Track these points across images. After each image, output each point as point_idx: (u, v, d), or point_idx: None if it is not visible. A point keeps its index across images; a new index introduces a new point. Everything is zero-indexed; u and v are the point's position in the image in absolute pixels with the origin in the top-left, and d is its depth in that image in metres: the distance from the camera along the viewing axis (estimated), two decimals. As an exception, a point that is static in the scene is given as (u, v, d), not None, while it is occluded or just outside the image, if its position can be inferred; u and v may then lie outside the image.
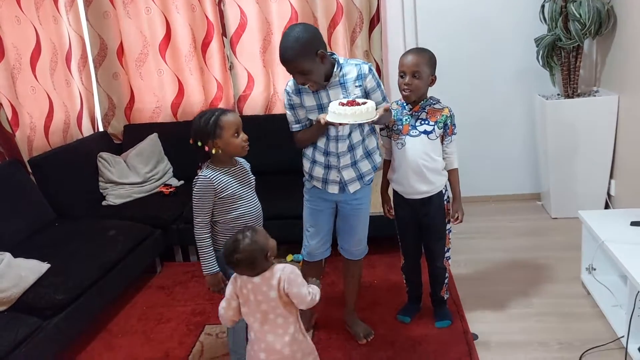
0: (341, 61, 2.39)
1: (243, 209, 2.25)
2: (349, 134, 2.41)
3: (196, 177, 2.23)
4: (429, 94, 2.60)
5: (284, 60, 2.24)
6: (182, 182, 4.15)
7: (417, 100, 2.54)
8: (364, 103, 2.22)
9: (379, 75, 3.99)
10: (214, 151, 2.19)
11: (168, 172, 4.17)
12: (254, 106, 4.25)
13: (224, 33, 4.12)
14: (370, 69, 2.39)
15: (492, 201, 4.36)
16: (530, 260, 3.36)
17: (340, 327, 2.80)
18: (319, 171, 2.49)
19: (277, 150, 3.75)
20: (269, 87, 4.22)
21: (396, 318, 2.84)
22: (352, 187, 2.49)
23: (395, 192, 2.70)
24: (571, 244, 3.33)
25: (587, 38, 3.65)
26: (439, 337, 2.66)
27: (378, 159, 2.55)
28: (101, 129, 4.48)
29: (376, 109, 2.26)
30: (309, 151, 2.50)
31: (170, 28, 4.21)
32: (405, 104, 2.58)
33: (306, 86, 2.32)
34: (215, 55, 4.21)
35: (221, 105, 4.30)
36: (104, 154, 3.95)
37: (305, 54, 2.22)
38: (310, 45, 2.23)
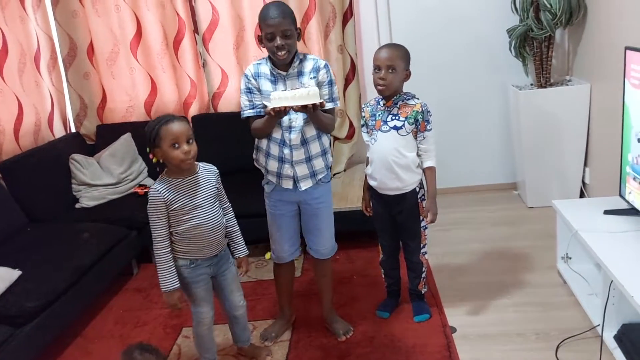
0: (301, 55, 2.42)
1: (196, 221, 2.19)
2: (302, 126, 2.39)
3: (149, 191, 2.19)
4: (405, 89, 2.59)
5: (273, 16, 2.25)
6: (157, 182, 4.10)
7: (391, 95, 2.53)
8: (306, 87, 2.23)
9: (353, 69, 3.99)
10: (154, 160, 2.16)
11: (143, 172, 4.11)
12: (228, 104, 4.20)
13: (195, 30, 4.07)
14: (326, 65, 2.44)
15: (468, 192, 4.37)
16: (507, 250, 3.38)
17: (320, 325, 2.79)
18: (272, 165, 2.47)
19: (252, 148, 3.70)
20: (243, 83, 4.17)
21: (375, 314, 2.84)
22: (304, 184, 2.47)
23: (371, 187, 2.69)
24: (547, 233, 3.36)
25: (559, 28, 3.67)
26: (418, 332, 2.67)
27: (330, 158, 2.55)
28: (73, 130, 4.40)
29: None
30: (263, 143, 2.47)
31: (141, 26, 4.14)
32: (380, 99, 2.57)
33: (280, 54, 2.29)
34: (188, 52, 4.14)
35: (195, 104, 4.25)
36: (76, 156, 3.88)
37: (292, 19, 2.31)
38: (294, 16, 2.35)
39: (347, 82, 4.02)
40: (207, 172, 2.29)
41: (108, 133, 4.23)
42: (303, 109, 2.24)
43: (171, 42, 4.14)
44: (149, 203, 2.16)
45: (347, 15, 3.91)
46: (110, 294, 3.33)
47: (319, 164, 2.49)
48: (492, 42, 4.02)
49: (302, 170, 2.45)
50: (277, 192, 2.53)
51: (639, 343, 2.20)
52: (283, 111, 2.25)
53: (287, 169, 2.45)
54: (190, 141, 2.14)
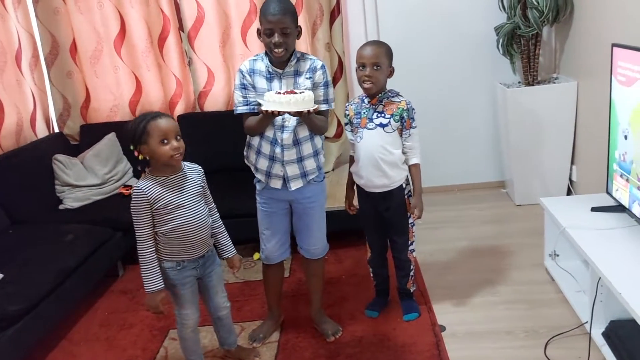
0: (298, 54, 2.39)
1: (181, 220, 2.15)
2: (295, 127, 2.37)
3: (133, 189, 2.15)
4: (389, 86, 2.57)
5: (274, 12, 2.22)
6: (143, 182, 4.05)
7: (376, 92, 2.52)
8: (302, 92, 2.20)
9: (340, 67, 3.97)
10: (140, 157, 2.11)
11: (128, 173, 4.06)
12: (214, 102, 4.16)
13: (181, 27, 4.02)
14: (323, 66, 2.41)
15: (456, 190, 4.37)
16: (495, 248, 3.38)
17: (308, 326, 2.76)
18: (263, 163, 2.44)
19: (238, 147, 3.67)
20: (229, 82, 4.13)
21: (364, 313, 2.82)
22: (294, 184, 2.44)
23: (357, 185, 2.67)
24: (535, 231, 3.36)
25: (546, 25, 3.68)
26: (407, 331, 2.65)
27: (322, 159, 2.53)
28: (57, 130, 4.33)
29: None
30: (254, 141, 2.45)
31: (125, 23, 4.08)
32: (364, 97, 2.56)
33: (278, 51, 2.26)
34: (173, 50, 4.09)
35: (181, 102, 4.20)
36: (60, 156, 3.82)
37: (293, 16, 2.29)
38: (296, 13, 2.33)
39: (334, 80, 3.99)
40: (192, 171, 2.26)
41: (92, 133, 4.17)
42: (297, 114, 2.21)
43: (156, 39, 4.09)
44: (132, 202, 2.12)
45: (335, 13, 3.89)
46: (96, 296, 3.28)
47: (310, 164, 2.46)
48: (480, 40, 4.01)
49: (292, 170, 2.42)
50: (268, 190, 2.50)
51: (627, 339, 2.21)
52: (277, 113, 2.21)
53: (277, 168, 2.42)
54: (178, 137, 2.12)
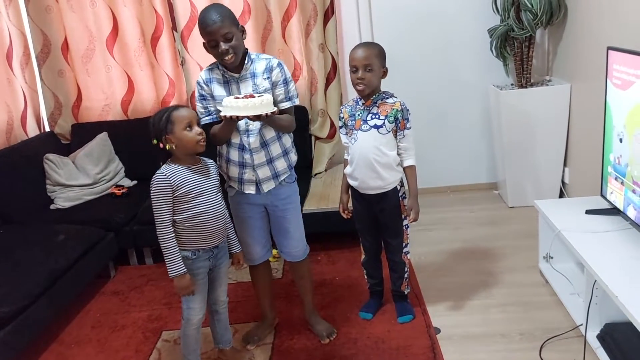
0: (252, 56, 2.37)
1: (202, 207, 2.19)
2: (260, 129, 2.35)
3: (154, 176, 2.17)
4: (383, 88, 2.57)
5: (211, 22, 2.18)
6: (134, 182, 4.03)
7: (370, 94, 2.51)
8: (260, 96, 2.20)
9: (334, 68, 3.96)
10: (167, 147, 2.14)
11: (120, 173, 4.03)
12: (207, 102, 4.14)
13: (174, 27, 3.99)
14: (279, 64, 2.39)
15: (449, 191, 4.38)
16: (489, 250, 3.38)
17: (303, 328, 2.75)
18: (234, 170, 2.42)
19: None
20: (222, 82, 4.11)
21: (358, 315, 2.81)
22: (266, 186, 2.43)
23: (352, 187, 2.67)
24: (528, 233, 3.37)
25: (539, 28, 3.69)
26: (402, 333, 2.64)
27: (293, 157, 2.52)
28: (48, 129, 4.29)
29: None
30: (223, 149, 2.43)
31: (117, 22, 4.05)
32: (359, 99, 2.55)
33: (227, 58, 2.24)
34: (166, 50, 4.07)
35: (173, 102, 4.17)
36: (51, 155, 3.78)
37: (231, 19, 2.25)
38: (234, 15, 2.29)
39: (328, 81, 3.98)
40: (209, 164, 2.30)
41: (83, 132, 4.14)
42: (256, 117, 2.19)
43: (149, 39, 4.06)
44: (153, 188, 2.14)
45: (329, 13, 3.88)
46: (87, 297, 3.25)
47: (281, 164, 2.45)
48: (473, 41, 4.02)
49: (264, 172, 2.41)
50: (241, 196, 2.48)
51: (622, 342, 2.21)
52: (236, 118, 2.19)
53: (248, 174, 2.41)
54: (199, 125, 2.18)
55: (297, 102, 2.45)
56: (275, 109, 2.25)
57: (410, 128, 2.56)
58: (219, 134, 2.35)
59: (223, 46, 2.22)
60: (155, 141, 2.16)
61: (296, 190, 2.58)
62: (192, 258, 2.23)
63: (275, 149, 2.42)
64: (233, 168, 2.41)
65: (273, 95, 2.35)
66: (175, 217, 2.18)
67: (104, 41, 4.09)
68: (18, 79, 3.98)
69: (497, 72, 4.00)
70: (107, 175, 3.92)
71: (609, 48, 2.50)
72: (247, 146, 2.35)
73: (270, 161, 2.41)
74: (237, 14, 3.88)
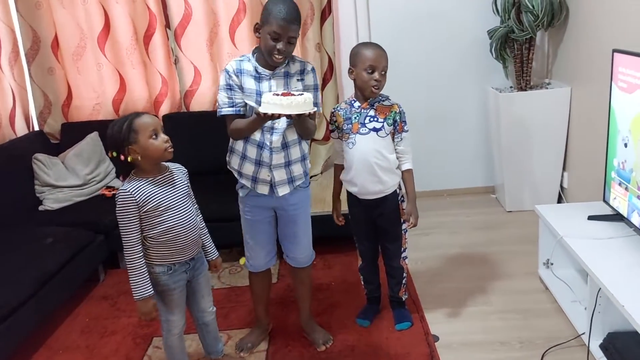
0: (289, 56, 2.30)
1: (172, 222, 2.07)
2: (285, 129, 2.28)
3: (117, 193, 2.04)
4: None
5: (288, 18, 2.11)
6: (126, 183, 3.94)
7: (367, 97, 2.46)
8: (301, 94, 2.12)
9: (331, 68, 3.89)
10: (130, 159, 2.01)
11: (110, 173, 3.93)
12: (201, 102, 4.06)
13: (167, 25, 3.91)
14: (313, 69, 2.36)
15: (446, 195, 4.32)
16: (487, 256, 3.32)
17: (298, 334, 2.67)
18: (248, 168, 2.34)
19: (224, 148, 3.57)
20: (217, 81, 4.02)
21: (355, 322, 2.74)
22: (281, 190, 2.35)
23: (349, 192, 2.59)
24: (526, 238, 3.33)
25: (540, 29, 3.64)
26: (400, 340, 2.58)
27: (309, 165, 2.46)
28: (37, 128, 4.19)
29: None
30: (239, 145, 2.34)
31: (109, 19, 3.96)
32: (353, 102, 2.49)
33: (278, 57, 2.17)
34: (159, 48, 3.98)
35: (167, 102, 4.08)
36: (40, 155, 3.69)
37: (300, 24, 2.21)
38: (301, 20, 2.25)
39: (324, 81, 3.91)
40: (178, 172, 2.17)
41: (74, 132, 4.04)
42: (297, 116, 2.12)
43: (141, 37, 3.97)
44: (117, 206, 2.01)
45: (326, 12, 3.81)
46: (76, 301, 3.16)
47: (297, 169, 2.37)
48: (473, 43, 3.97)
49: (280, 175, 2.33)
50: (252, 198, 2.41)
51: (626, 352, 2.16)
52: (276, 116, 2.11)
53: (264, 173, 2.32)
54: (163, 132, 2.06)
55: (321, 109, 2.41)
56: (316, 108, 2.18)
57: (407, 131, 2.50)
58: (243, 129, 2.26)
59: (281, 46, 2.15)
60: (114, 154, 2.02)
61: (309, 196, 2.51)
62: (168, 273, 2.13)
63: (295, 152, 2.35)
64: (248, 165, 2.33)
65: None
66: (145, 234, 2.06)
67: (95, 38, 3.99)
68: (6, 77, 3.88)
69: (497, 75, 3.96)
70: (97, 176, 3.83)
71: (614, 50, 2.45)
72: (268, 144, 2.27)
73: (288, 164, 2.33)
74: (232, 13, 3.87)
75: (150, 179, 2.05)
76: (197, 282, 2.26)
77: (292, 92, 2.15)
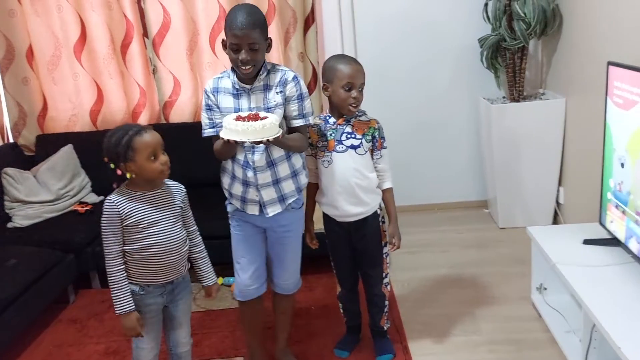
0: (269, 66, 2.14)
1: (150, 240, 1.95)
2: (266, 147, 2.12)
3: (105, 201, 1.95)
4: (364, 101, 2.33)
5: (241, 25, 1.96)
6: (102, 197, 3.76)
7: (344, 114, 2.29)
8: (264, 118, 1.96)
9: (315, 79, 3.73)
10: (127, 175, 1.91)
11: (85, 188, 3.76)
12: (181, 113, 3.90)
13: (145, 33, 3.76)
14: (295, 77, 2.15)
15: (436, 209, 4.14)
16: (477, 277, 3.14)
17: (270, 365, 2.50)
18: (237, 188, 2.20)
19: (206, 161, 3.40)
20: (197, 92, 3.87)
21: (333, 352, 2.56)
22: (271, 210, 2.19)
23: (325, 215, 2.42)
24: (520, 258, 3.16)
25: (533, 38, 3.47)
26: (380, 374, 2.41)
27: (304, 180, 2.27)
28: (11, 140, 4.02)
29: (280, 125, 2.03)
30: (228, 164, 2.21)
31: (85, 28, 3.80)
32: (328, 117, 2.32)
33: (245, 68, 2.02)
34: (137, 57, 3.82)
35: (145, 112, 3.92)
36: (9, 170, 3.51)
37: (262, 29, 2.04)
38: (266, 25, 2.09)
39: (308, 92, 3.74)
40: (173, 190, 2.06)
41: (49, 144, 3.87)
42: (257, 143, 1.97)
43: (118, 46, 3.81)
44: (102, 215, 1.93)
45: (309, 20, 3.66)
46: (41, 325, 2.98)
47: (288, 186, 2.20)
48: (463, 52, 3.81)
49: (269, 194, 2.17)
50: (241, 212, 2.25)
51: (623, 391, 1.98)
52: (239, 142, 1.98)
53: (252, 193, 2.17)
54: (164, 151, 1.96)
55: (311, 120, 2.22)
56: (279, 133, 2.00)
57: (386, 147, 2.34)
58: (220, 151, 2.15)
59: (244, 55, 2.00)
60: (112, 165, 1.92)
61: (301, 218, 2.35)
62: (140, 294, 2.00)
63: (284, 170, 2.18)
64: (237, 185, 2.19)
65: (286, 112, 2.14)
66: (125, 247, 1.95)
67: (71, 48, 3.83)
68: (-22, 87, 3.73)
69: (488, 84, 3.80)
70: (71, 191, 3.66)
71: (609, 63, 2.28)
72: (251, 164, 2.13)
73: (276, 182, 2.17)
74: (212, 21, 3.71)
75: (140, 193, 1.96)
76: (176, 309, 2.11)
77: (258, 114, 2.00)
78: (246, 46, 1.99)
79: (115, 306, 1.95)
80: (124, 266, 1.96)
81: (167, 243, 1.98)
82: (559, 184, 3.60)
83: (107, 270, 1.95)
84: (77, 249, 3.23)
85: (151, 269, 1.98)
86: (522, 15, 3.30)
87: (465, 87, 3.90)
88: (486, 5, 3.56)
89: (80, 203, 3.62)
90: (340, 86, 2.22)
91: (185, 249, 2.06)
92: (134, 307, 1.96)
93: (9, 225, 3.40)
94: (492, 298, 2.92)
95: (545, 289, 2.66)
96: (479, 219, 3.96)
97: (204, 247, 2.17)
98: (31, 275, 2.85)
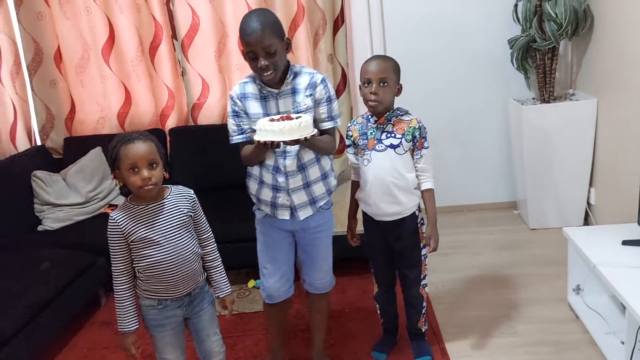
0: (295, 69, 2.12)
1: (158, 256, 1.89)
2: (298, 151, 2.11)
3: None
4: (397, 104, 2.33)
5: (251, 30, 1.93)
6: (130, 200, 3.78)
7: (383, 111, 2.27)
8: (298, 117, 1.95)
9: (344, 80, 3.72)
10: (115, 184, 1.90)
11: (114, 190, 3.77)
12: (209, 115, 3.91)
13: (174, 35, 3.77)
14: (323, 80, 2.13)
15: (466, 211, 4.11)
16: (510, 279, 3.12)
17: (308, 369, 2.49)
18: (266, 194, 2.18)
19: (234, 163, 3.40)
20: (225, 94, 3.87)
21: (371, 355, 2.55)
22: (302, 213, 2.18)
23: (364, 213, 2.41)
24: (552, 259, 3.14)
25: (564, 39, 3.43)
26: (419, 377, 2.39)
27: (333, 182, 2.26)
28: (39, 142, 4.05)
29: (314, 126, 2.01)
30: (255, 170, 2.19)
31: (114, 30, 3.82)
32: (370, 117, 2.31)
33: (266, 74, 1.99)
34: (165, 59, 3.84)
35: (173, 115, 3.93)
36: (39, 173, 3.54)
37: (275, 30, 1.99)
38: (280, 25, 2.04)
39: (337, 93, 3.73)
40: (179, 198, 1.97)
41: (77, 146, 3.90)
42: (294, 142, 1.95)
43: (147, 48, 3.83)
44: (107, 233, 1.92)
45: (338, 22, 3.65)
46: (74, 329, 2.99)
47: (319, 189, 2.20)
48: (493, 53, 3.78)
49: (300, 198, 2.16)
50: (270, 218, 2.24)
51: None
52: (275, 144, 1.95)
53: (282, 198, 2.16)
54: (154, 165, 1.85)
55: (339, 122, 2.20)
56: (316, 131, 1.99)
57: (428, 147, 2.32)
58: (250, 157, 2.12)
59: (262, 61, 1.97)
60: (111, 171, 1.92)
61: (331, 218, 2.34)
62: (157, 307, 1.97)
63: (314, 172, 2.17)
64: (266, 191, 2.17)
65: (315, 114, 2.12)
66: (134, 264, 1.92)
67: (99, 50, 3.85)
68: (7, 90, 3.75)
69: (518, 86, 3.77)
70: (100, 194, 3.68)
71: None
72: (282, 169, 2.11)
73: (307, 185, 2.16)
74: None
75: (141, 206, 1.90)
76: (198, 321, 2.06)
77: (290, 115, 1.98)
78: (262, 52, 1.96)
79: (118, 324, 1.94)
80: (130, 284, 1.93)
81: (176, 258, 1.91)
82: (590, 184, 3.57)
83: (113, 287, 1.93)
84: (107, 252, 3.23)
85: (164, 284, 1.93)
86: (554, 15, 3.27)
87: (495, 88, 3.87)
88: (516, 6, 3.54)
89: (110, 206, 3.64)
90: (362, 82, 2.24)
91: (197, 261, 2.00)
92: (134, 327, 1.94)
93: (40, 228, 3.42)
94: (527, 299, 2.89)
95: (582, 290, 2.63)
96: (509, 220, 3.92)
97: (218, 255, 2.09)
98: (65, 278, 2.86)
